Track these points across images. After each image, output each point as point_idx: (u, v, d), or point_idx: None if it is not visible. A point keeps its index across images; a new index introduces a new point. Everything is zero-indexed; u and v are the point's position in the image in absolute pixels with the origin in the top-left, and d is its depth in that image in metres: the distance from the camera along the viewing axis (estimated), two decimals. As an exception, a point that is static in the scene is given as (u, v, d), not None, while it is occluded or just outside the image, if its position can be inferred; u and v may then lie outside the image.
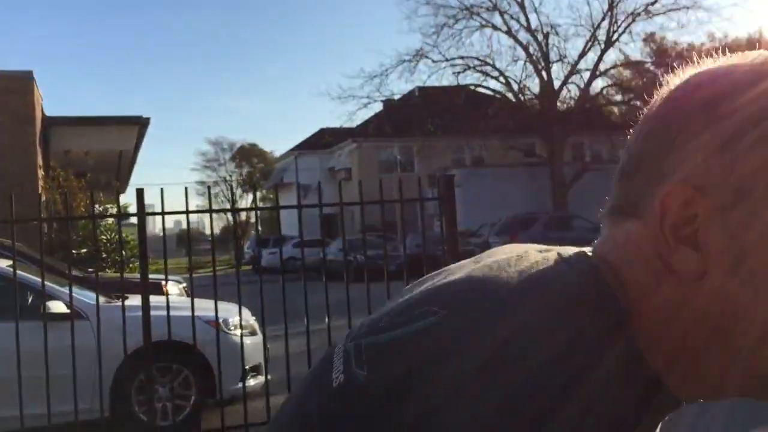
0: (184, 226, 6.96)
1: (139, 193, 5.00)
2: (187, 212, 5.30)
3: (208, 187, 5.42)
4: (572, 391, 0.53)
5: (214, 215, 5.24)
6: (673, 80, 0.63)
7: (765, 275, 0.54)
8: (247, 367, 5.99)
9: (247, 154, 65.10)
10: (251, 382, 6.04)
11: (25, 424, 4.51)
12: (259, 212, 6.42)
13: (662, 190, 0.58)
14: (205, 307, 6.15)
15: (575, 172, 30.57)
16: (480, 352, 0.54)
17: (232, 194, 54.73)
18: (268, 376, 6.20)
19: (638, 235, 0.60)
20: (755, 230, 0.55)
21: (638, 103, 33.39)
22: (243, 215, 54.86)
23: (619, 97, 34.88)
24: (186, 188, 5.17)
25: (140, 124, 13.00)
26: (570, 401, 0.52)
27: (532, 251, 0.68)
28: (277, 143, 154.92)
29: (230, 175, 63.42)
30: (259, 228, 7.84)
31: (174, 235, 56.63)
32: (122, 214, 5.19)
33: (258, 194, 60.15)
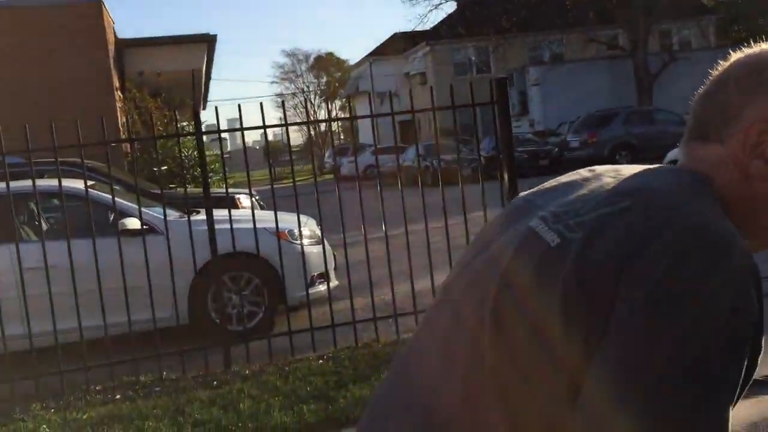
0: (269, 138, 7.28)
1: (215, 110, 5.19)
2: (264, 126, 5.47)
3: (282, 102, 5.60)
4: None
5: (294, 128, 5.42)
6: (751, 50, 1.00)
7: None
8: (314, 274, 6.26)
9: (324, 63, 64.87)
10: (319, 288, 6.31)
11: (109, 333, 4.92)
12: (337, 122, 6.47)
13: (745, 124, 0.94)
14: (273, 219, 6.42)
15: (662, 63, 29.05)
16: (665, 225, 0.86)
17: (306, 108, 54.91)
18: (336, 282, 6.48)
19: (723, 154, 0.95)
20: None
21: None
22: (322, 126, 55.38)
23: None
24: (261, 103, 5.27)
25: (208, 41, 13.14)
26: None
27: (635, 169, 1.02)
28: (353, 51, 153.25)
29: (308, 86, 63.58)
30: (341, 138, 7.93)
31: (260, 148, 58.01)
32: (204, 132, 5.36)
33: (338, 103, 60.31)
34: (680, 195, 0.90)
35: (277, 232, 5.58)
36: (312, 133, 27.74)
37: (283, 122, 5.30)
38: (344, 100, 53.91)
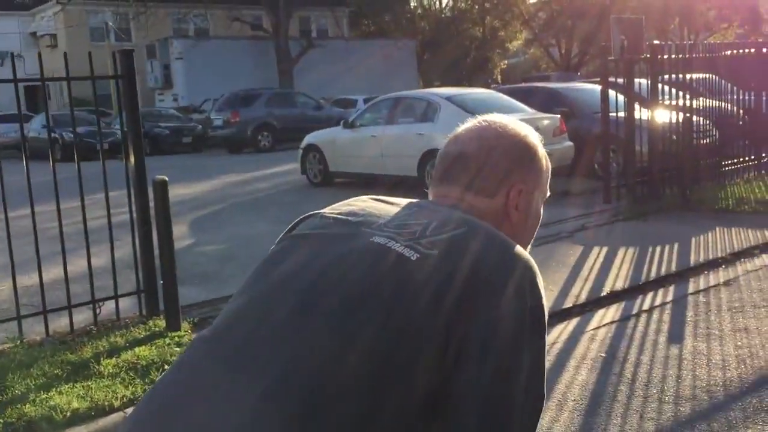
0: None
1: None
2: None
3: None
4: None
5: None
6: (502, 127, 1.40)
7: (529, 214, 1.37)
8: None
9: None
10: None
11: None
12: None
13: (510, 188, 1.34)
14: None
15: (301, 48, 30.31)
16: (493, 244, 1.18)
17: None
18: None
19: (493, 206, 1.33)
20: (533, 201, 1.38)
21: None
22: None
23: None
24: None
25: None
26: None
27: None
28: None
29: None
30: None
31: None
32: None
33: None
34: (492, 227, 1.23)
35: None
36: None
37: None
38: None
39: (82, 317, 4.96)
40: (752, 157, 10.07)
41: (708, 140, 9.61)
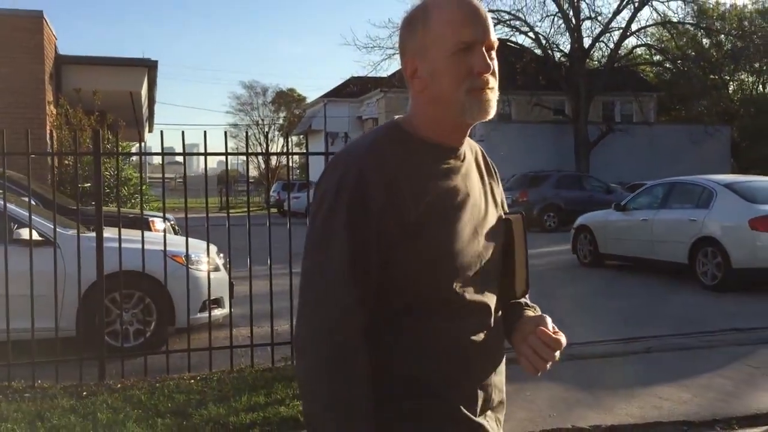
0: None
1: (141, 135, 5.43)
2: (227, 154, 5.88)
3: (246, 131, 5.91)
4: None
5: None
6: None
7: (435, 74, 1.41)
8: (206, 300, 6.49)
9: (285, 98, 65.39)
10: (216, 312, 6.55)
11: (11, 337, 5.10)
12: (291, 157, 6.73)
13: (406, 61, 1.44)
14: (175, 243, 6.65)
15: (600, 132, 30.30)
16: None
17: (267, 138, 55.18)
18: (225, 310, 6.70)
19: (410, 85, 1.48)
20: (428, 60, 1.42)
21: (670, 64, 32.71)
22: (273, 161, 55.61)
23: (657, 57, 34.22)
24: (205, 132, 5.54)
25: (148, 66, 13.41)
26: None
27: None
28: (312, 90, 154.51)
29: (263, 119, 63.88)
30: (295, 173, 8.28)
31: (214, 176, 57.87)
32: (103, 153, 5.58)
33: (294, 139, 60.71)
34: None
35: (165, 256, 5.75)
36: (267, 165, 27.80)
37: (228, 151, 5.74)
38: (300, 136, 54.40)
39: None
40: None
41: None
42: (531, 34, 30.54)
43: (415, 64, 1.42)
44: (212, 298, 6.53)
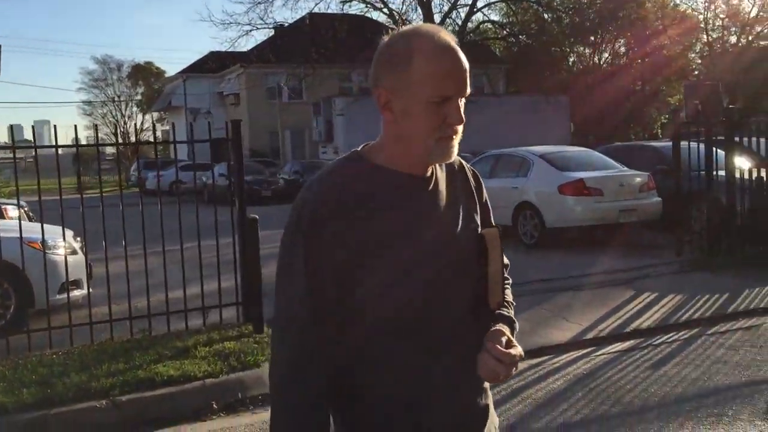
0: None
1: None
2: (78, 146, 6.13)
3: (95, 125, 6.21)
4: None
5: (105, 135, 6.18)
6: (385, 37, 1.49)
7: (408, 116, 1.46)
8: (64, 282, 6.90)
9: (142, 73, 63.08)
10: (75, 293, 6.97)
11: None
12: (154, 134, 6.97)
13: (379, 91, 1.47)
14: (31, 229, 6.97)
15: (453, 104, 31.83)
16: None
17: (116, 127, 53.37)
18: (84, 291, 7.11)
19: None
20: (403, 100, 1.46)
21: (515, 39, 34.79)
22: (134, 137, 53.70)
23: (504, 32, 36.23)
24: (75, 126, 5.88)
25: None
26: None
27: None
28: (171, 63, 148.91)
29: (119, 96, 61.51)
30: (157, 154, 8.55)
31: (69, 154, 55.07)
32: None
33: (155, 115, 58.80)
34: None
35: (21, 243, 6.12)
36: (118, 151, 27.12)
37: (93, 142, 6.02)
38: (162, 112, 52.82)
39: (198, 322, 6.50)
40: None
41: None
42: (385, 10, 31.51)
43: (389, 98, 1.46)
44: (71, 279, 6.95)
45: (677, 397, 4.68)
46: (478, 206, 1.62)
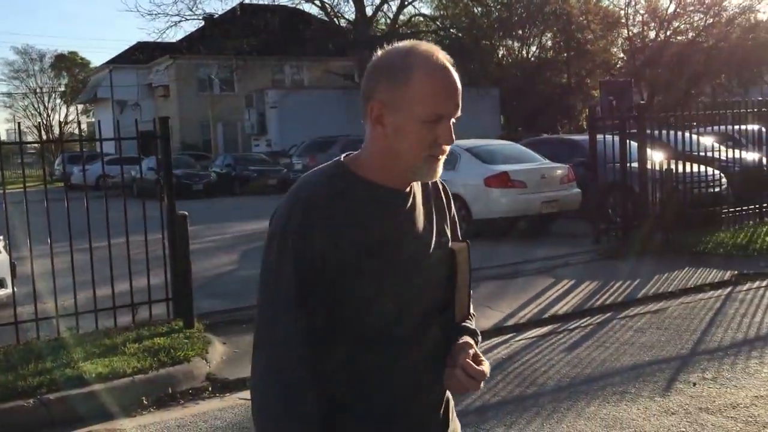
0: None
1: None
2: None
3: (18, 123, 6.11)
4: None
5: (27, 128, 6.07)
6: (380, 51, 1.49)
7: (401, 132, 1.45)
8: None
9: (66, 63, 61.13)
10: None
11: None
12: (79, 128, 6.94)
13: (372, 104, 1.45)
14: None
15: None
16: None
17: (42, 122, 51.61)
18: (8, 290, 7.03)
19: (369, 123, 1.48)
20: (397, 115, 1.45)
21: (444, 32, 35.28)
22: (58, 130, 52.26)
23: (435, 25, 36.68)
24: None
25: None
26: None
27: None
28: (97, 53, 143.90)
29: (41, 87, 59.51)
30: (82, 148, 8.42)
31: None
32: None
33: (80, 107, 57.09)
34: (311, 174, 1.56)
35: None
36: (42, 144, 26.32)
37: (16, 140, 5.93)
38: (87, 104, 51.26)
39: (128, 318, 6.51)
40: (757, 205, 10.70)
41: (716, 189, 10.40)
42: (317, 2, 31.44)
43: (382, 112, 1.46)
44: (-5, 279, 6.87)
45: (586, 378, 5.02)
46: (448, 220, 1.65)
